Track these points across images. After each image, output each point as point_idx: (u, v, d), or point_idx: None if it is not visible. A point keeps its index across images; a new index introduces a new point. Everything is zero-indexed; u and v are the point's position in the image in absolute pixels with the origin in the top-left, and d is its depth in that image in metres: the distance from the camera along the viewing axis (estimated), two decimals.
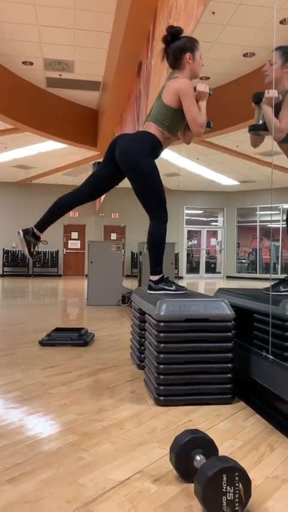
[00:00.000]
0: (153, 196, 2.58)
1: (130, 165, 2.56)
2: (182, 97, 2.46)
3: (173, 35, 2.59)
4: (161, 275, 2.64)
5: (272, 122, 2.44)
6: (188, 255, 17.57)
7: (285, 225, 2.90)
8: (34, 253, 2.72)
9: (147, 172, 2.54)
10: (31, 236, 2.74)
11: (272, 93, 2.44)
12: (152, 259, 2.65)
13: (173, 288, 2.61)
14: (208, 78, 7.93)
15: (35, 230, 2.77)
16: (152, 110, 2.63)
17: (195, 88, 2.54)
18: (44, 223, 2.77)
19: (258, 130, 2.57)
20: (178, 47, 2.57)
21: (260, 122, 2.57)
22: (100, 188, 2.77)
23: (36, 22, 6.31)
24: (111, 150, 2.63)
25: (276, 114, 2.47)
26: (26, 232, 2.73)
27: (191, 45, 2.58)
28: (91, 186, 2.74)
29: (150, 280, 2.65)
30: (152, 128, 2.56)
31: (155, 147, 2.57)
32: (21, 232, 2.69)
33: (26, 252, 2.69)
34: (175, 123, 2.56)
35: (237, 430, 1.84)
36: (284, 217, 2.86)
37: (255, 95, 2.55)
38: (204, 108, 2.56)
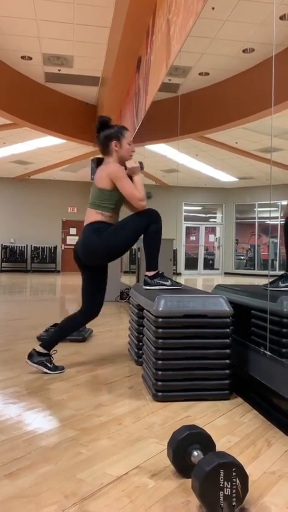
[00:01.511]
0: (136, 232, 2.61)
1: (97, 254, 2.60)
2: (114, 180, 2.57)
3: (102, 123, 2.71)
4: (156, 271, 2.66)
5: None
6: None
7: (283, 222, 2.90)
8: (53, 367, 2.63)
9: (109, 241, 2.58)
10: (39, 357, 2.64)
11: None
12: (147, 256, 2.67)
13: (169, 283, 2.63)
14: (207, 74, 7.91)
15: (39, 348, 2.66)
16: (90, 197, 2.70)
17: (125, 166, 2.64)
18: (51, 342, 2.69)
19: None
20: (104, 135, 2.68)
21: None
22: (96, 295, 2.75)
23: (35, 16, 6.27)
24: (78, 259, 2.70)
25: None
26: (30, 356, 2.64)
27: (117, 133, 2.68)
28: (90, 300, 2.73)
29: (146, 275, 2.67)
30: (92, 215, 2.63)
31: (100, 228, 2.61)
32: (28, 361, 2.62)
33: (48, 372, 2.61)
34: (114, 201, 2.63)
35: (234, 425, 1.85)
36: (281, 214, 2.88)
37: None
38: (140, 182, 2.64)
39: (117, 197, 2.61)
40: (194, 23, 3.32)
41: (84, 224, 2.67)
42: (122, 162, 2.68)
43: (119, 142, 2.67)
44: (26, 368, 2.71)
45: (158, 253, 2.67)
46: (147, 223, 2.60)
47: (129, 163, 2.65)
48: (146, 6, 5.07)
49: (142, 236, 2.64)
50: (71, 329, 2.75)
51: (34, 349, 2.65)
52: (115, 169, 2.59)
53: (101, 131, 2.70)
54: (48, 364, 2.63)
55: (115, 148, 2.66)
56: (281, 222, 2.94)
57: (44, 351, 2.64)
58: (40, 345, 2.67)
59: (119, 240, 2.59)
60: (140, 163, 2.69)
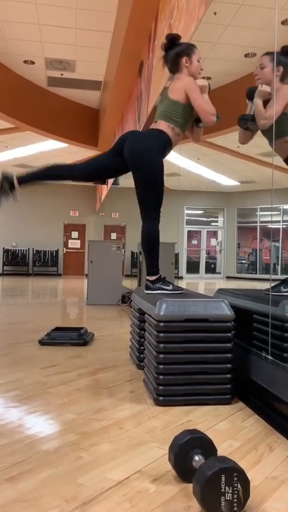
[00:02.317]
0: (155, 196, 2.59)
1: (140, 161, 2.57)
2: (188, 91, 2.55)
3: (171, 41, 2.70)
4: (158, 275, 2.65)
5: (261, 113, 2.51)
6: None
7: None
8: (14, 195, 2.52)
9: (156, 171, 2.57)
10: (7, 182, 2.54)
11: (265, 88, 2.55)
12: (147, 260, 2.66)
13: (170, 287, 2.62)
14: (209, 78, 7.91)
15: (15, 180, 2.57)
16: (159, 109, 2.67)
17: None
18: (28, 178, 2.63)
19: (246, 121, 2.61)
20: (175, 52, 2.68)
21: (251, 113, 2.63)
22: (97, 175, 2.77)
23: (38, 21, 6.31)
24: (120, 145, 2.64)
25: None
26: (5, 176, 2.54)
27: (188, 49, 2.68)
28: (89, 169, 2.73)
29: (148, 280, 2.67)
30: (163, 126, 2.60)
31: (166, 145, 2.62)
32: (0, 175, 2.52)
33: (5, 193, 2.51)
34: (184, 118, 2.62)
35: (236, 430, 1.84)
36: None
37: (248, 90, 2.64)
38: (209, 100, 2.63)
39: (188, 113, 2.60)
40: (196, 28, 3.34)
41: (153, 127, 2.62)
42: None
43: (189, 58, 2.67)
44: (27, 372, 2.71)
45: (158, 257, 2.66)
46: (157, 209, 2.58)
47: (199, 81, 2.63)
48: (148, 11, 5.09)
49: (141, 240, 2.64)
50: (54, 172, 2.75)
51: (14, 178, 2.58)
52: (190, 81, 2.58)
53: (170, 49, 2.69)
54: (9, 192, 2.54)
55: (186, 64, 2.66)
56: (283, 226, 2.94)
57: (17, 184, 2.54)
58: (19, 176, 2.59)
59: (159, 182, 2.56)
60: (208, 83, 2.68)
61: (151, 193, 2.60)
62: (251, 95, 2.63)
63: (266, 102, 2.56)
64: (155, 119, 2.67)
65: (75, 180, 2.79)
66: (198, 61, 2.70)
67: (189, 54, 2.67)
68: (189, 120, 2.66)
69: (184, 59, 2.66)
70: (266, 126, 2.55)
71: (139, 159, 2.58)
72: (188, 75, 2.66)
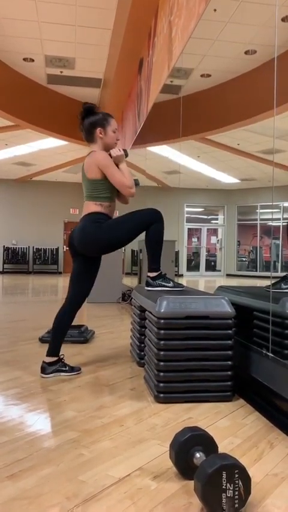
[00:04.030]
0: (135, 229, 2.60)
1: (93, 245, 2.60)
2: (102, 169, 2.55)
3: (87, 110, 2.69)
4: (158, 272, 2.65)
5: None
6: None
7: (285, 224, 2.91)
8: (69, 368, 2.62)
9: (106, 234, 2.56)
10: (50, 367, 2.61)
11: None
12: (150, 257, 2.66)
13: (171, 284, 2.62)
14: (209, 75, 7.91)
15: (47, 359, 2.63)
16: (84, 190, 2.68)
17: (110, 155, 2.62)
18: (55, 347, 2.66)
19: None
20: (89, 122, 2.66)
21: None
22: (87, 283, 2.74)
23: (37, 19, 6.28)
24: (72, 246, 2.69)
25: None
26: (43, 369, 2.60)
27: (103, 120, 2.66)
28: (77, 287, 2.72)
29: (148, 276, 2.67)
30: (91, 207, 2.62)
31: (99, 219, 2.60)
32: (43, 375, 2.58)
33: (66, 375, 2.60)
34: (109, 190, 2.62)
35: (237, 427, 1.84)
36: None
37: None
38: (126, 170, 2.62)
39: (110, 185, 2.59)
40: (196, 25, 3.33)
41: (83, 215, 2.64)
42: (106, 149, 2.66)
43: (104, 129, 2.65)
44: (27, 369, 2.71)
45: (160, 254, 2.67)
46: (150, 221, 2.59)
47: (114, 152, 2.62)
48: (148, 8, 5.08)
49: (145, 237, 2.64)
50: (64, 324, 2.69)
51: (44, 362, 2.61)
52: (101, 157, 2.56)
53: (86, 118, 2.68)
54: (63, 369, 2.61)
55: (100, 135, 2.65)
56: (284, 224, 2.94)
57: (53, 359, 2.62)
58: (47, 356, 2.63)
59: (120, 232, 2.57)
60: (124, 150, 2.67)
61: (127, 238, 2.61)
62: None
63: None
64: (84, 200, 2.68)
65: (81, 303, 2.74)
66: (114, 132, 2.69)
67: (104, 125, 2.65)
68: (114, 190, 2.64)
69: (98, 130, 2.64)
70: None
71: (89, 246, 2.60)
72: (101, 147, 2.65)
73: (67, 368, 2.63)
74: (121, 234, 2.58)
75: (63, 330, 2.70)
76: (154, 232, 2.61)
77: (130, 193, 2.60)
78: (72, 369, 2.64)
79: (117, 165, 2.60)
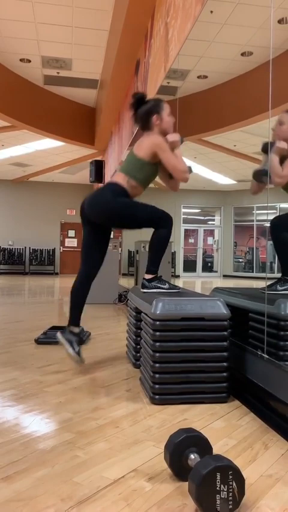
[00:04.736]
0: (144, 219, 2.62)
1: (102, 212, 2.62)
2: (158, 152, 2.55)
3: (139, 100, 2.70)
4: (155, 274, 2.66)
5: (275, 168, 2.51)
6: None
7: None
8: (80, 353, 2.65)
9: (119, 207, 2.58)
10: (69, 334, 2.67)
11: (282, 145, 2.54)
12: (150, 259, 2.67)
13: (166, 286, 2.62)
14: (206, 77, 7.93)
15: (71, 328, 2.71)
16: (123, 163, 2.68)
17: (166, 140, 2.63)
18: (75, 317, 2.72)
19: (261, 176, 2.63)
20: (144, 112, 2.67)
21: (266, 168, 2.63)
22: (97, 254, 2.76)
23: (34, 19, 6.28)
24: (83, 214, 2.70)
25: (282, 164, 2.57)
26: (62, 333, 2.67)
27: (157, 106, 2.67)
28: (89, 257, 2.75)
29: (144, 278, 2.67)
30: (118, 177, 2.64)
31: (117, 192, 2.60)
32: (58, 335, 2.65)
33: (71, 352, 2.62)
34: (145, 174, 2.63)
35: (232, 428, 1.85)
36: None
37: (264, 144, 2.65)
38: (181, 155, 2.64)
39: (150, 171, 2.61)
40: (192, 27, 3.33)
41: (108, 181, 2.65)
42: (163, 135, 2.65)
43: (159, 115, 2.65)
44: (23, 371, 2.71)
45: (161, 259, 2.68)
46: (162, 222, 2.60)
47: (171, 137, 2.62)
48: (145, 10, 5.08)
49: (151, 238, 2.65)
50: (81, 297, 2.74)
51: (68, 329, 2.66)
52: (159, 140, 2.57)
53: (139, 108, 2.69)
54: (74, 347, 2.64)
55: (156, 122, 2.65)
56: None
57: (77, 329, 2.67)
58: (70, 324, 2.68)
59: (134, 212, 2.59)
60: (181, 137, 2.67)
61: (136, 221, 2.64)
62: (266, 149, 2.62)
63: (281, 159, 2.55)
64: (117, 170, 2.69)
65: (95, 272, 2.77)
66: (169, 115, 2.69)
67: (159, 112, 2.66)
68: (150, 177, 2.66)
69: (154, 117, 2.65)
70: (281, 185, 2.56)
71: (100, 211, 2.62)
72: (158, 133, 2.65)
73: (77, 349, 2.65)
74: (134, 214, 2.60)
75: (81, 303, 2.74)
76: (161, 236, 2.63)
77: (184, 178, 2.62)
78: (79, 354, 2.66)
79: (172, 151, 2.60)
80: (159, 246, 2.64)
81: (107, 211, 2.60)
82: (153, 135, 2.62)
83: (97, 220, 2.68)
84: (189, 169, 2.65)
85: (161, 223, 2.61)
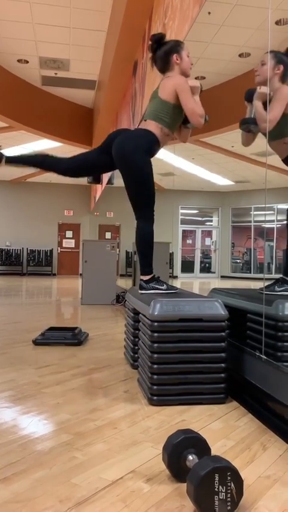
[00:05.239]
0: (145, 195, 2.61)
1: (126, 161, 2.59)
2: (179, 92, 2.53)
3: (158, 40, 2.69)
4: (151, 275, 2.65)
5: (262, 115, 2.50)
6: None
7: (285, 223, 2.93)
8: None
9: (143, 170, 2.58)
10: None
11: (264, 89, 2.53)
12: (141, 260, 2.66)
13: (164, 287, 2.62)
14: (204, 78, 7.93)
15: (3, 156, 2.74)
16: (149, 108, 2.67)
17: None
18: (16, 158, 2.80)
19: (248, 124, 2.61)
20: (164, 51, 2.66)
21: (252, 116, 2.62)
22: (83, 171, 2.82)
23: (32, 20, 6.28)
24: (109, 143, 2.66)
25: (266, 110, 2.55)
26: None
27: (176, 46, 2.67)
28: (76, 164, 2.76)
29: (142, 279, 2.67)
30: (152, 126, 2.61)
31: (153, 145, 2.61)
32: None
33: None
34: (174, 118, 2.62)
35: (230, 429, 1.85)
36: (285, 217, 2.90)
37: (247, 92, 2.63)
38: (199, 101, 2.62)
39: (177, 113, 2.59)
40: (190, 28, 3.34)
41: (141, 127, 2.63)
42: (183, 75, 2.65)
43: (179, 55, 2.65)
44: (21, 372, 2.71)
45: (152, 257, 2.67)
46: (149, 209, 2.60)
47: (192, 82, 2.61)
48: (143, 11, 5.09)
49: (135, 240, 2.65)
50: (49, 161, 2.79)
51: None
52: (181, 81, 2.56)
53: (158, 49, 2.67)
54: None
55: (176, 61, 2.64)
56: (277, 226, 2.98)
57: None
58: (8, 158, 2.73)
59: (150, 181, 2.58)
60: (201, 85, 2.66)
61: (141, 193, 2.61)
62: (250, 97, 2.62)
63: (264, 104, 2.55)
64: (144, 117, 2.67)
65: (60, 173, 2.79)
66: (188, 56, 2.69)
67: (179, 51, 2.65)
68: (178, 120, 2.66)
69: (174, 56, 2.64)
70: (267, 130, 2.55)
71: (126, 159, 2.59)
72: (179, 73, 2.65)
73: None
74: (146, 180, 2.58)
75: (37, 160, 2.85)
76: (144, 233, 2.61)
77: (199, 122, 2.58)
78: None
79: None
80: (145, 245, 2.63)
81: (131, 163, 2.56)
82: (175, 76, 2.61)
83: (116, 161, 2.63)
84: (206, 118, 2.63)
85: (146, 213, 2.60)
